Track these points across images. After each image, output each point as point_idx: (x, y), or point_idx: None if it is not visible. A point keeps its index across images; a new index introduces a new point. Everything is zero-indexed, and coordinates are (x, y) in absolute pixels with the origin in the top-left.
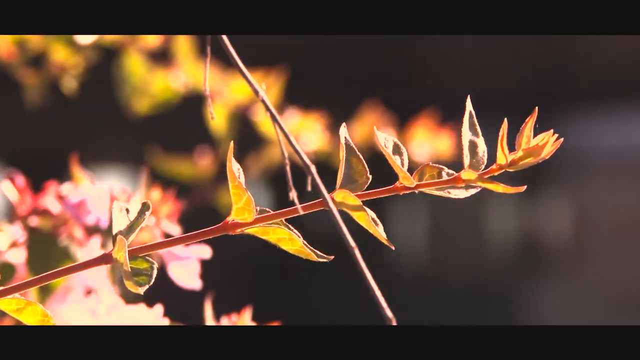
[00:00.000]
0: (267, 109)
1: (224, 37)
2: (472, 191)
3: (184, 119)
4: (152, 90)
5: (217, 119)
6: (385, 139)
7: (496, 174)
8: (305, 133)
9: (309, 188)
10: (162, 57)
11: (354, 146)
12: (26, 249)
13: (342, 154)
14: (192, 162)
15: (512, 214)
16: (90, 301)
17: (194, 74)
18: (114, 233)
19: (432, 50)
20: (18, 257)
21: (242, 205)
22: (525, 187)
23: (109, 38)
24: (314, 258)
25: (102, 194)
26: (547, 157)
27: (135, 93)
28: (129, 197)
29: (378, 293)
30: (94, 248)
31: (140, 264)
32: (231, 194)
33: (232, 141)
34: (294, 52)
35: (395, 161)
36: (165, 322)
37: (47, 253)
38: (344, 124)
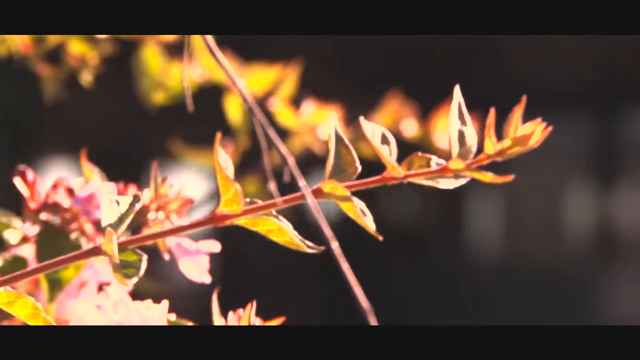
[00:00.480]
0: (245, 101)
1: (208, 36)
2: (462, 181)
3: (202, 111)
4: (169, 82)
5: (234, 111)
6: (373, 129)
7: (484, 163)
8: (321, 124)
9: (287, 179)
10: (178, 50)
11: (343, 136)
12: (35, 244)
13: (331, 144)
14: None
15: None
16: (98, 297)
17: (210, 67)
18: (103, 225)
19: (455, 41)
20: (31, 251)
21: (231, 197)
22: (513, 176)
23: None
24: (304, 249)
25: (111, 188)
26: (534, 147)
27: (153, 85)
28: (137, 191)
29: (357, 289)
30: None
31: (129, 257)
32: (219, 185)
33: (219, 132)
34: (324, 48)
35: (382, 151)
36: (172, 317)
37: (58, 247)
38: (334, 115)
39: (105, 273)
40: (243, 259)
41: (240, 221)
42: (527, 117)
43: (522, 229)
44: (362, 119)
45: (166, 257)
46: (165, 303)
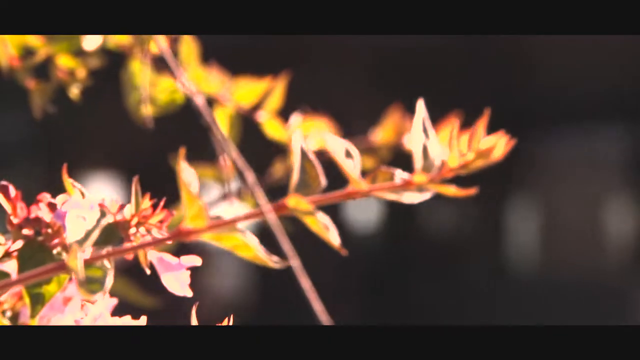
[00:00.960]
0: (201, 114)
1: (160, 37)
2: (426, 195)
3: (191, 123)
4: (158, 95)
5: (222, 123)
6: (336, 144)
7: (448, 176)
8: (310, 136)
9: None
10: (167, 63)
11: (307, 151)
12: (17, 259)
13: (296, 159)
14: (214, 165)
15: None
16: (78, 311)
17: (199, 79)
18: (69, 241)
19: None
20: (14, 267)
21: (195, 213)
22: (476, 189)
23: (114, 43)
24: (271, 264)
25: (92, 204)
26: (499, 160)
27: (142, 98)
28: (119, 207)
29: (318, 306)
30: None
31: (94, 272)
32: (184, 200)
33: (182, 147)
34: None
35: (345, 165)
36: None
37: (39, 262)
38: (298, 130)
39: None
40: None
41: (206, 236)
42: (569, 127)
43: (562, 239)
44: (327, 134)
45: (147, 271)
46: (143, 318)
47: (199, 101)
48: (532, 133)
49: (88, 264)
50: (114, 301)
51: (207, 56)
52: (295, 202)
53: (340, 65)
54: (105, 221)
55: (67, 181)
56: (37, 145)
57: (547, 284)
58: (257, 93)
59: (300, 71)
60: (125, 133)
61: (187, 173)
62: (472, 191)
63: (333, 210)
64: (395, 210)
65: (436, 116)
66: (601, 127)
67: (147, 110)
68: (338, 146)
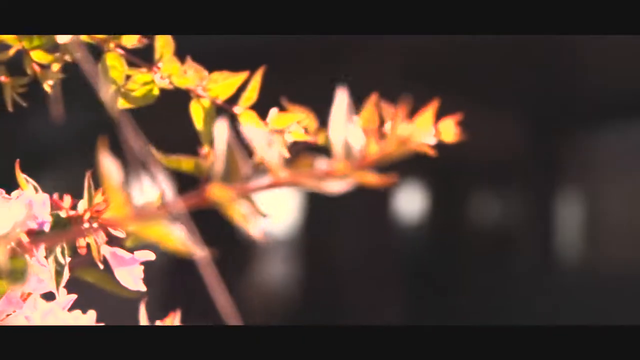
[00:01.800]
0: (111, 111)
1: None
2: (348, 183)
3: (167, 116)
4: (132, 88)
5: (198, 117)
6: (255, 133)
7: (368, 165)
8: (288, 128)
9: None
10: (141, 55)
11: (231, 141)
12: None
13: (219, 148)
14: (196, 159)
15: None
16: (26, 307)
17: (175, 72)
18: None
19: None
20: None
21: (118, 203)
22: (396, 177)
23: (89, 36)
24: (196, 255)
25: (44, 199)
26: (417, 149)
27: (117, 91)
28: (72, 203)
29: (224, 298)
30: (39, 254)
31: (17, 263)
32: (106, 193)
33: (103, 136)
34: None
35: (266, 154)
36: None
37: None
38: (223, 119)
39: (50, 283)
40: (329, 261)
41: (130, 228)
42: (618, 122)
43: (609, 233)
44: (243, 124)
45: (100, 266)
46: (92, 313)
47: (106, 92)
48: (580, 128)
49: (12, 255)
50: (73, 297)
51: (201, 56)
52: (217, 190)
53: (339, 61)
54: (26, 214)
55: (20, 176)
56: (92, 140)
57: (594, 279)
58: (234, 86)
59: (287, 66)
60: (176, 127)
61: (107, 164)
62: (392, 180)
63: (382, 202)
64: (442, 203)
65: (479, 112)
66: None
67: (122, 103)
68: (258, 136)
